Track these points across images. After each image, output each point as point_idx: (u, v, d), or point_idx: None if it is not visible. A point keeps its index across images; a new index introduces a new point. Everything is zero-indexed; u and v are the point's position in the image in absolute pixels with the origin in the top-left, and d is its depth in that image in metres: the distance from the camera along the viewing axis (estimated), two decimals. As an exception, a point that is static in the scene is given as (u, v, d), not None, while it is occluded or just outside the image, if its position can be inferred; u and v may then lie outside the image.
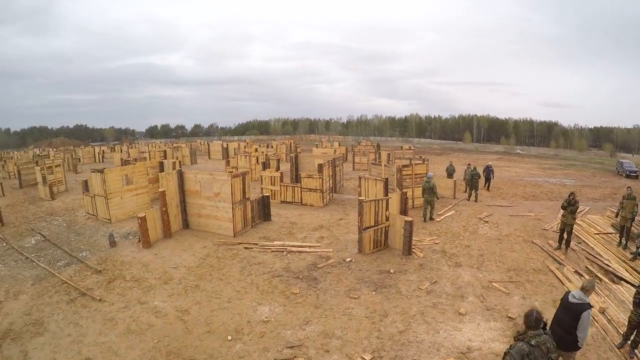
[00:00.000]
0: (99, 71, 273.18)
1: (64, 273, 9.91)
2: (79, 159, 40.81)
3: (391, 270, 9.35)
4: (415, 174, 16.33)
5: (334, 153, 27.91)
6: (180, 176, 13.26)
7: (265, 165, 23.55)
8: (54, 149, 67.01)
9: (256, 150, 36.08)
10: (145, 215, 11.59)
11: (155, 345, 6.60)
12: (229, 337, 6.77)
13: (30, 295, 8.80)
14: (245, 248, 11.38)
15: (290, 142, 47.78)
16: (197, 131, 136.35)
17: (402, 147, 39.46)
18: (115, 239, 12.26)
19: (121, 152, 44.21)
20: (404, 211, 11.27)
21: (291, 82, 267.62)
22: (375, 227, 10.65)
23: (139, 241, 11.88)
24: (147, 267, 10.12)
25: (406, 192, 12.33)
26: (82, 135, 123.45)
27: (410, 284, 8.67)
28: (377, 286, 8.56)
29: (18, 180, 25.84)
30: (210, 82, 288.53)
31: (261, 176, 18.97)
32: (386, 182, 13.01)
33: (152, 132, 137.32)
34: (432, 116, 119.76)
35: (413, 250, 10.49)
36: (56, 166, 23.58)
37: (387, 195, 11.73)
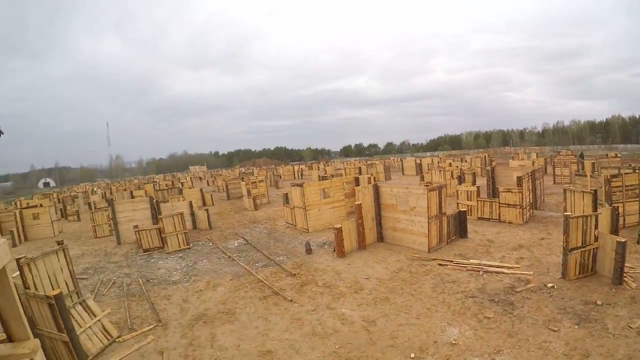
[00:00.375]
0: (292, 99, 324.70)
1: (260, 273, 11.68)
2: (280, 175, 48.54)
3: (598, 302, 8.26)
4: (626, 186, 14.43)
5: (532, 165, 26.27)
6: (376, 190, 14.22)
7: (461, 180, 23.31)
8: (258, 168, 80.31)
9: (450, 164, 35.82)
10: (341, 227, 12.81)
11: (336, 350, 7.02)
12: (412, 355, 6.73)
13: (227, 288, 10.73)
14: (440, 265, 11.25)
15: (485, 156, 46.15)
16: (390, 149, 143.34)
17: (607, 154, 35.02)
18: (312, 247, 13.84)
19: (318, 169, 50.13)
20: (615, 230, 10.41)
21: (478, 93, 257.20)
22: (583, 249, 9.57)
23: (334, 250, 13.12)
24: (339, 275, 11.01)
25: (617, 208, 11.30)
26: (282, 155, 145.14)
27: (619, 320, 7.53)
28: (580, 319, 7.67)
29: (226, 193, 33.49)
30: (397, 100, 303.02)
31: (457, 191, 18.85)
32: (595, 194, 11.94)
33: (347, 151, 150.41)
34: (638, 116, 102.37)
35: (624, 278, 9.15)
36: (260, 182, 29.16)
37: (596, 211, 10.62)
